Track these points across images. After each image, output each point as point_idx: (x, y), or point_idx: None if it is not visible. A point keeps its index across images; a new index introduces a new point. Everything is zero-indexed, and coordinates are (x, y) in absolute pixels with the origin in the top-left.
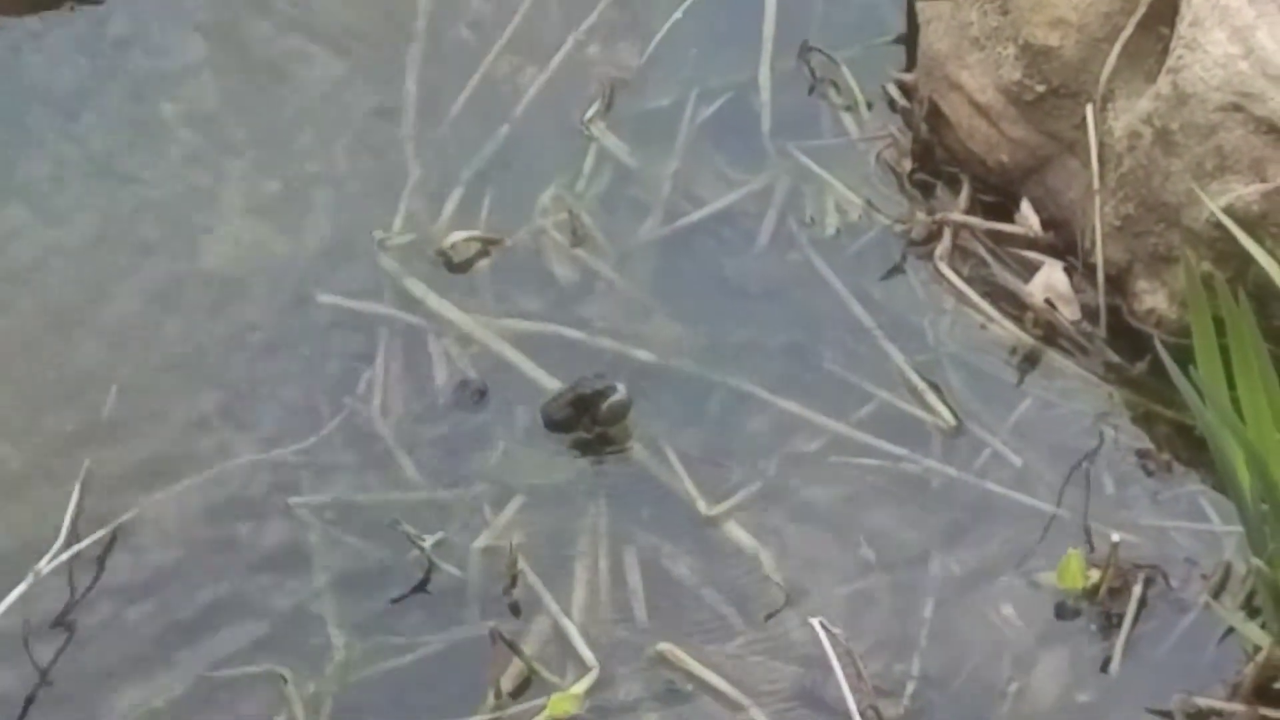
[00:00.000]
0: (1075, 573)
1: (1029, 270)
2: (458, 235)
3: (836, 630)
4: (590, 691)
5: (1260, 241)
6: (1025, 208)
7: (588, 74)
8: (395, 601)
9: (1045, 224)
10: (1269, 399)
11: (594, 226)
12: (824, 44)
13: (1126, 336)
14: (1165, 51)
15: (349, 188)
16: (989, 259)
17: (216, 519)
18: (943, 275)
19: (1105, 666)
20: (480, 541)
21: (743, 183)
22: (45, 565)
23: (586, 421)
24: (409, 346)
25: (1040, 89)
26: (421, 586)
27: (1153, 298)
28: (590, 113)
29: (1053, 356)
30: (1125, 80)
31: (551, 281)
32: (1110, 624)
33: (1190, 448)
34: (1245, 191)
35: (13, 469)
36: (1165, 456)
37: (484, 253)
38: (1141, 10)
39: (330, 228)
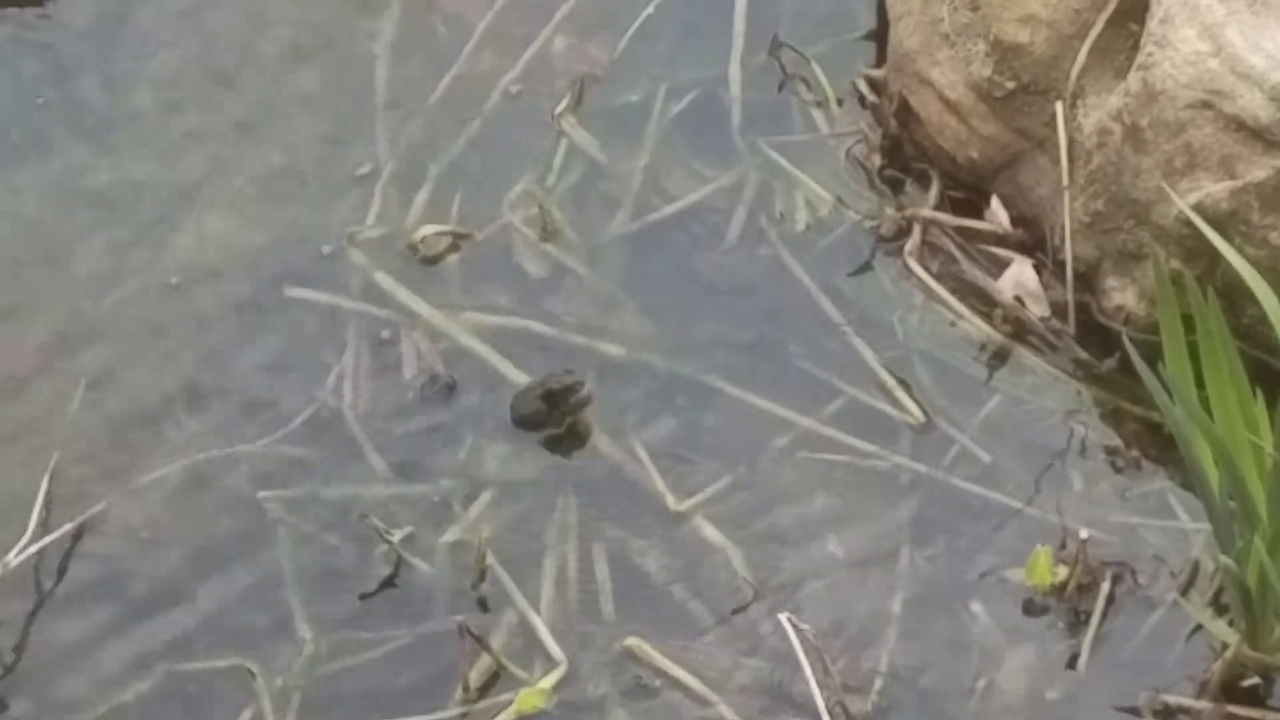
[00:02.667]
0: (1043, 569)
1: (998, 267)
2: (428, 229)
3: (804, 626)
4: (558, 686)
5: (1229, 239)
6: (995, 204)
7: (558, 69)
8: (364, 596)
9: (1015, 221)
10: (1237, 396)
11: (564, 221)
12: (794, 39)
13: (1095, 333)
14: (1135, 48)
15: (318, 181)
16: (958, 255)
17: (185, 513)
18: (912, 271)
19: (1073, 663)
20: (448, 536)
21: (713, 178)
22: (13, 558)
23: (556, 416)
24: (378, 340)
25: (1010, 85)
26: (390, 581)
27: (1122, 295)
28: (560, 108)
29: (1022, 353)
30: (1095, 77)
31: (521, 276)
32: (1078, 621)
33: (1159, 445)
34: (1215, 189)
35: None
36: (1134, 453)
37: (454, 247)
38: (1112, 7)
39: (300, 221)
